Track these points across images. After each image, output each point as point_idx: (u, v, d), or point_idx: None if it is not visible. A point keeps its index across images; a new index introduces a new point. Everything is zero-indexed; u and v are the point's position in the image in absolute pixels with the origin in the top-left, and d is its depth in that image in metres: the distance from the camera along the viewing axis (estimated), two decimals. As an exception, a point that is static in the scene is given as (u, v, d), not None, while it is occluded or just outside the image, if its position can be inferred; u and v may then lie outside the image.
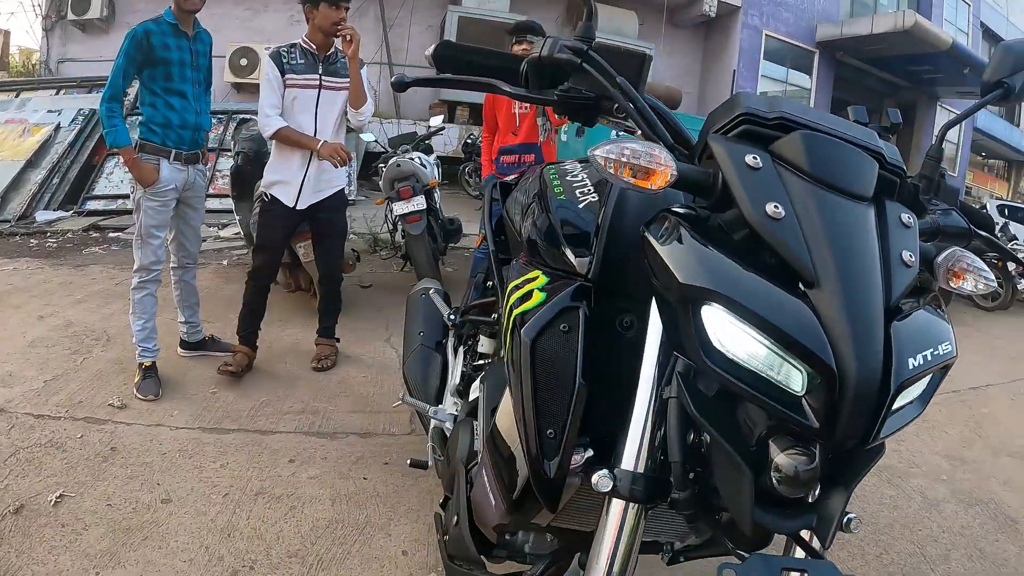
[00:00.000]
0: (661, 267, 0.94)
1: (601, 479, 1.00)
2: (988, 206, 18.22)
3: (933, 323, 0.94)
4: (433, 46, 1.29)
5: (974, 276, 1.03)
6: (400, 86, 1.34)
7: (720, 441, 0.90)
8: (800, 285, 0.87)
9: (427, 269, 5.19)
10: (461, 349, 2.31)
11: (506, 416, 1.28)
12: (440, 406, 2.25)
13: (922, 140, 20.40)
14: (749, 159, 0.95)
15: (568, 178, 1.42)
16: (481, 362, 2.11)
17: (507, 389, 1.27)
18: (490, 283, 2.17)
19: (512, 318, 1.21)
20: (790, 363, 0.83)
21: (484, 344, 2.10)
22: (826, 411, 0.81)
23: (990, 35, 23.20)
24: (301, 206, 3.54)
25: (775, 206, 0.90)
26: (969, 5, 21.35)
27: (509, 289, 1.30)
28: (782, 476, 0.86)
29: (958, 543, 2.73)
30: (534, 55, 1.21)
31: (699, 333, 0.89)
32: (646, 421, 1.01)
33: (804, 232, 0.89)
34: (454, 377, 2.23)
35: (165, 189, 3.27)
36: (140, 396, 3.19)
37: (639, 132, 1.15)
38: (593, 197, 1.32)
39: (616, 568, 1.01)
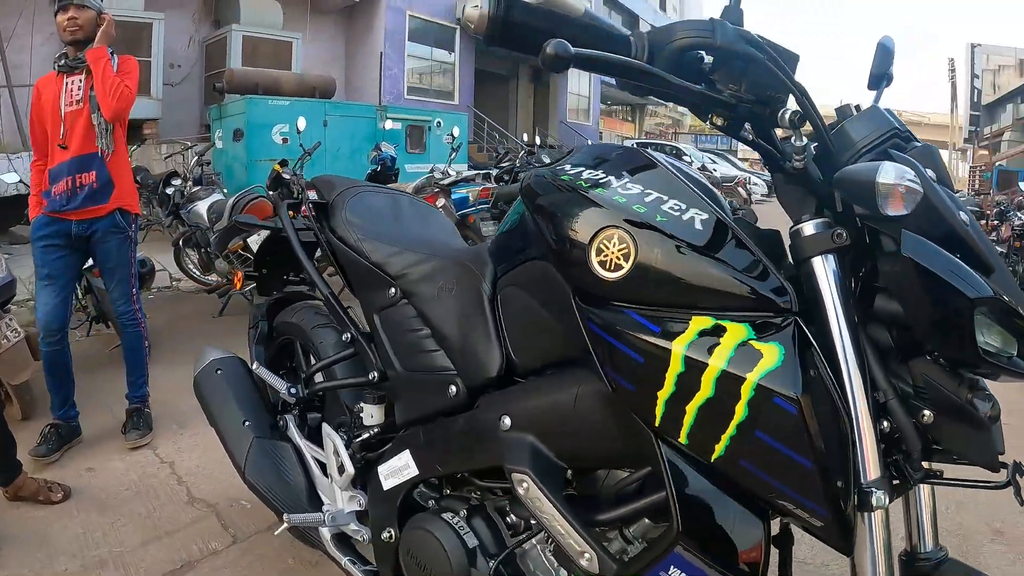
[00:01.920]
0: (936, 285, 0.95)
1: (877, 497, 0.99)
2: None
3: None
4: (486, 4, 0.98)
5: None
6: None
7: (967, 408, 0.97)
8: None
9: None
10: (328, 427, 1.89)
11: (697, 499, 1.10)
12: (332, 509, 1.86)
13: (558, 102, 22.93)
14: (930, 173, 1.03)
15: (629, 190, 1.15)
16: (367, 436, 1.78)
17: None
18: (346, 335, 1.83)
19: (754, 387, 0.99)
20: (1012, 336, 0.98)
21: (371, 414, 1.77)
22: None
23: (611, 1, 26.38)
24: None
25: (965, 215, 1.00)
26: (591, -26, 24.04)
27: (683, 353, 1.03)
28: (991, 418, 0.98)
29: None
30: (687, 39, 1.04)
31: (973, 336, 0.94)
32: (859, 429, 1.01)
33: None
34: (340, 466, 1.81)
35: None
36: None
37: (801, 144, 1.04)
38: (698, 213, 1.09)
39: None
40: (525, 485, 1.25)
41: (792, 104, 1.05)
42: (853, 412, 0.99)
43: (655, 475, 1.14)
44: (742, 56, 1.03)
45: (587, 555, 1.20)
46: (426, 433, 1.55)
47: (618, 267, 1.09)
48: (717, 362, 1.00)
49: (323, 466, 1.95)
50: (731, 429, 1.00)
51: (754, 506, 1.07)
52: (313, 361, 2.08)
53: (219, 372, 2.25)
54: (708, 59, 1.13)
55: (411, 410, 1.62)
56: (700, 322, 1.04)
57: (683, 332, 1.04)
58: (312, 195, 1.95)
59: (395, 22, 15.92)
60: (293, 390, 2.02)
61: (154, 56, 12.08)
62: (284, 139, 7.02)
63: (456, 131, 7.92)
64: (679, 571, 1.09)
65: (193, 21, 13.38)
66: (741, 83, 1.08)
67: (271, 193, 5.07)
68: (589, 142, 22.20)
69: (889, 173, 0.94)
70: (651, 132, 35.90)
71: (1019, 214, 9.41)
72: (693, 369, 1.01)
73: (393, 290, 1.66)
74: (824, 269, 1.03)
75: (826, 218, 1.06)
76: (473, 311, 1.46)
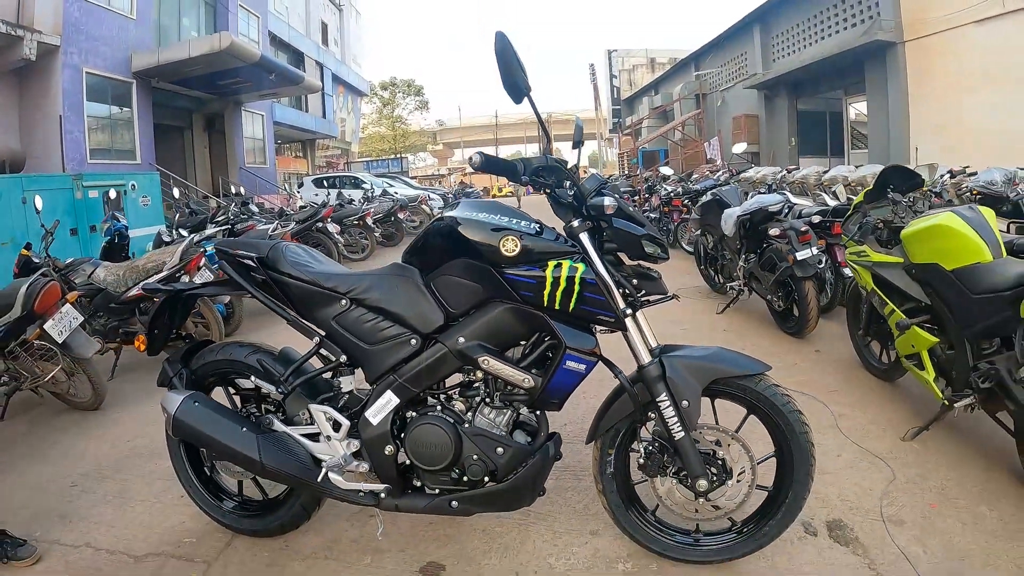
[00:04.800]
0: (628, 233, 2.40)
1: (626, 311, 2.42)
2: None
3: None
4: (479, 155, 2.37)
5: None
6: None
7: (650, 273, 2.46)
8: None
9: None
10: (314, 405, 2.63)
11: None
12: (336, 456, 2.59)
13: (235, 144, 23.02)
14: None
15: (502, 220, 2.40)
16: (346, 398, 2.68)
17: None
18: (315, 338, 2.65)
19: (580, 278, 2.32)
20: (656, 245, 2.42)
21: (348, 383, 2.69)
22: None
23: (277, 41, 27.38)
24: None
25: (633, 205, 3.15)
26: (258, 17, 24.52)
27: (551, 274, 2.31)
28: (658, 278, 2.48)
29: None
30: (539, 163, 2.42)
31: (643, 248, 2.40)
32: (612, 290, 2.37)
33: None
34: (335, 425, 2.60)
35: None
36: None
37: (572, 192, 2.43)
38: (534, 223, 2.45)
39: None
40: (487, 361, 2.38)
41: (568, 181, 2.41)
42: (608, 283, 2.32)
43: (537, 342, 2.43)
44: (554, 169, 2.40)
45: (526, 379, 2.37)
46: (399, 375, 2.49)
47: (514, 251, 2.31)
48: (564, 274, 2.30)
49: (311, 437, 2.68)
50: (575, 295, 2.31)
51: (585, 328, 2.38)
52: (255, 380, 2.79)
53: (197, 404, 2.73)
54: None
55: (381, 366, 2.53)
56: (552, 263, 2.31)
57: (547, 267, 2.31)
58: (246, 253, 2.71)
59: (72, 81, 15.38)
60: (281, 389, 2.68)
61: None
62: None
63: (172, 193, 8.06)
64: (573, 362, 2.34)
65: None
66: (552, 175, 2.41)
67: (55, 274, 5.27)
68: (292, 189, 22.13)
69: (609, 199, 2.34)
70: (321, 166, 36.92)
71: (664, 186, 11.86)
72: (556, 279, 2.30)
73: (344, 301, 2.56)
74: (586, 238, 2.35)
75: (581, 218, 2.37)
76: (417, 295, 2.49)
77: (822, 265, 5.64)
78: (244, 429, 2.69)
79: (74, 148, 15.30)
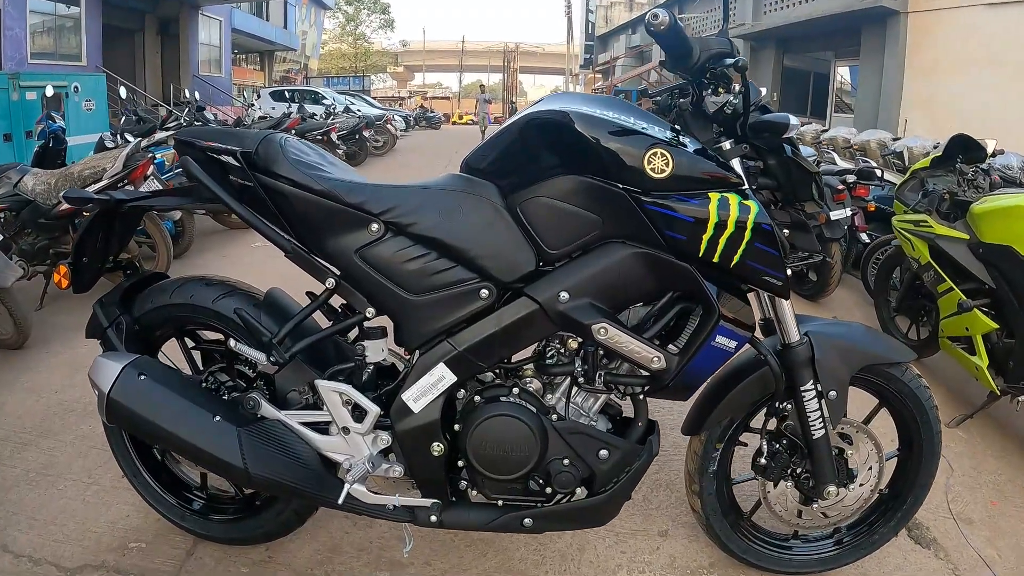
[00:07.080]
0: (799, 167, 1.86)
1: (789, 268, 1.84)
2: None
3: None
4: (667, 13, 1.60)
5: None
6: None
7: (805, 221, 1.93)
8: None
9: None
10: (326, 383, 1.90)
11: None
12: (358, 458, 1.91)
13: (190, 51, 22.22)
14: None
15: (642, 125, 1.73)
16: (371, 371, 1.93)
17: None
18: (330, 280, 1.87)
19: (753, 221, 1.68)
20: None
21: (379, 348, 1.93)
22: None
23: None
24: None
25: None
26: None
27: (716, 211, 1.66)
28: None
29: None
30: (718, 49, 1.73)
31: (812, 188, 1.89)
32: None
33: None
34: (356, 412, 1.89)
35: None
36: None
37: (737, 102, 1.77)
38: (671, 130, 1.77)
39: None
40: (605, 330, 1.70)
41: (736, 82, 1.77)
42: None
43: (670, 300, 1.77)
44: (732, 62, 1.69)
45: (655, 358, 1.73)
46: (457, 342, 1.78)
47: (663, 171, 1.63)
48: (733, 214, 1.65)
49: (317, 427, 1.94)
50: (743, 245, 1.66)
51: (738, 292, 1.82)
52: (227, 336, 2.04)
53: (143, 377, 1.93)
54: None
55: (430, 326, 1.80)
56: (714, 196, 1.66)
57: (709, 203, 1.65)
58: (223, 146, 1.85)
59: (14, -29, 14.19)
60: (273, 357, 1.86)
61: None
62: None
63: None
64: (724, 336, 1.76)
65: None
66: (718, 68, 1.75)
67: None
68: (252, 99, 21.76)
69: (793, 119, 1.75)
70: (277, 80, 35.76)
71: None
72: (723, 220, 1.65)
73: (375, 226, 1.78)
74: (738, 165, 1.74)
75: (735, 138, 1.76)
76: (496, 223, 1.76)
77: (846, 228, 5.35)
78: (217, 418, 1.91)
79: (14, 47, 14.40)
